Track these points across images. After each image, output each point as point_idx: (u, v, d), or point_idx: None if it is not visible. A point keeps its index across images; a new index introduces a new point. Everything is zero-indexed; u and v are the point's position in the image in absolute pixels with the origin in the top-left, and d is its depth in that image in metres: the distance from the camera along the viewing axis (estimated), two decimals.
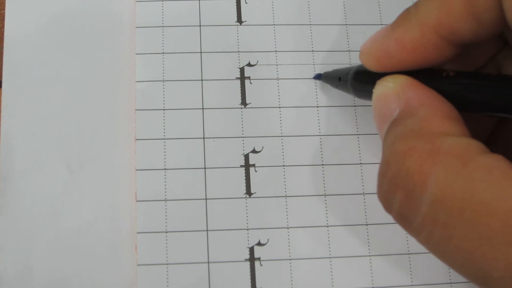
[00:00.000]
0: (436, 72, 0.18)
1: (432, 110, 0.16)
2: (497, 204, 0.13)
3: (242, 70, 0.26)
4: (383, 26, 0.27)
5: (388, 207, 0.17)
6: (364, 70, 0.21)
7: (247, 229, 0.24)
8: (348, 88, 0.22)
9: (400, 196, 0.16)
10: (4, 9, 0.26)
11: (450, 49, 0.17)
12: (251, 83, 0.26)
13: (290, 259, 0.24)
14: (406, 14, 0.18)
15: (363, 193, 0.25)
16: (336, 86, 0.24)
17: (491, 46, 0.20)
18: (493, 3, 0.16)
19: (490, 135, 0.20)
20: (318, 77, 0.26)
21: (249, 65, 0.26)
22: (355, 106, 0.26)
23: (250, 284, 0.24)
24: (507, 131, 0.20)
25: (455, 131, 0.16)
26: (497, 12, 0.16)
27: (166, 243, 0.24)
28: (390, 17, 0.27)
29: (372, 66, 0.19)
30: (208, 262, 0.24)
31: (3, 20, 0.26)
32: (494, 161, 0.14)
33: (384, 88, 0.18)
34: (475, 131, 0.16)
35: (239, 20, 0.27)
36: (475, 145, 0.15)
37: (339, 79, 0.23)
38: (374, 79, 0.19)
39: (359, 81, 0.21)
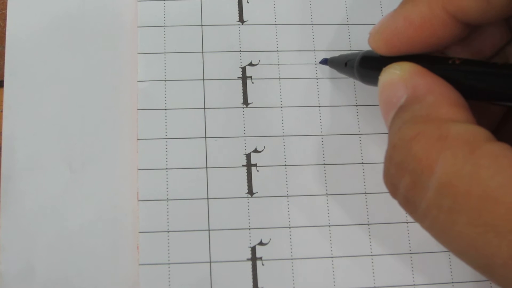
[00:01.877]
0: (443, 60, 0.18)
1: (440, 97, 0.16)
2: (503, 191, 0.14)
3: (244, 69, 0.26)
4: None
5: (394, 191, 0.17)
6: (370, 55, 0.21)
7: (249, 229, 0.24)
8: (354, 73, 0.22)
9: (407, 180, 0.16)
10: (5, 8, 0.26)
11: (458, 28, 0.17)
12: (253, 83, 0.26)
13: (292, 259, 0.24)
14: None
15: (365, 193, 0.25)
16: (342, 72, 0.24)
17: (499, 37, 0.20)
18: None
19: (497, 126, 0.20)
20: (324, 62, 0.26)
21: (251, 64, 0.26)
22: (356, 105, 0.26)
23: (252, 283, 0.24)
24: None
25: (462, 118, 0.16)
26: None
27: (168, 243, 0.24)
28: None
29: (380, 47, 0.19)
30: (210, 262, 0.24)
31: (5, 19, 0.26)
32: (501, 149, 0.14)
33: (390, 75, 0.18)
34: (482, 122, 0.17)
35: (241, 19, 0.27)
36: (482, 133, 0.15)
37: (345, 64, 0.23)
38: (380, 64, 0.19)
39: (365, 66, 0.21)
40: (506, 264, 0.14)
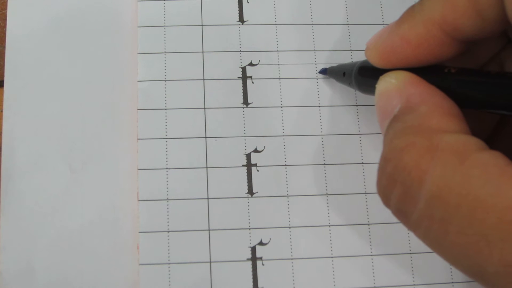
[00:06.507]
0: (438, 69, 0.18)
1: (433, 106, 0.16)
2: (493, 200, 0.14)
3: (244, 69, 0.26)
4: (385, 26, 0.27)
5: (386, 202, 0.17)
6: (368, 65, 0.21)
7: (249, 229, 0.24)
8: (352, 83, 0.22)
9: (398, 191, 0.16)
10: (6, 8, 0.26)
11: (454, 46, 0.18)
12: (253, 83, 0.26)
13: (292, 259, 0.24)
14: (411, 11, 0.18)
15: (365, 193, 0.25)
16: (341, 81, 0.24)
17: (494, 44, 0.20)
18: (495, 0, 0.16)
19: (492, 133, 0.20)
20: (323, 71, 0.26)
21: (251, 64, 0.26)
22: (357, 105, 0.26)
23: (252, 283, 0.24)
24: (509, 129, 0.20)
25: (454, 128, 0.16)
26: (500, 8, 0.16)
27: (168, 243, 0.24)
28: (392, 17, 0.27)
29: (377, 61, 0.19)
30: (210, 262, 0.24)
31: (5, 19, 0.26)
32: (492, 158, 0.14)
33: (386, 84, 0.18)
34: (477, 129, 0.17)
35: (241, 19, 0.27)
36: (473, 142, 0.15)
37: (344, 73, 0.23)
38: (378, 74, 0.19)
39: (362, 76, 0.21)
40: (497, 272, 0.14)
